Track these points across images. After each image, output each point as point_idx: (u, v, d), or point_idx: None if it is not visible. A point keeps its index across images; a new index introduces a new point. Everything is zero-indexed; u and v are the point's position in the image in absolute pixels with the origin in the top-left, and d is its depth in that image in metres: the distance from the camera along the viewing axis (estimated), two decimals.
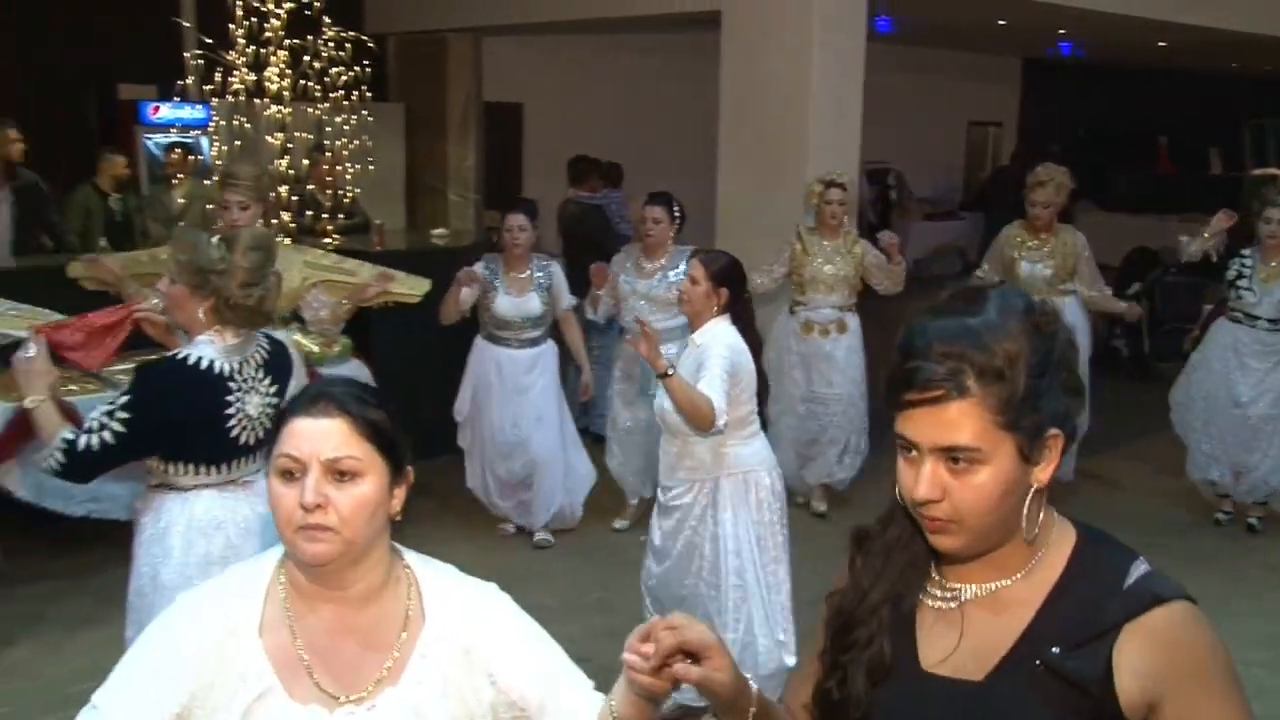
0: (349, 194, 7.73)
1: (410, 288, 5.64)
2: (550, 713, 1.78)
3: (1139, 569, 1.46)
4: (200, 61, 7.03)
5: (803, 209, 6.48)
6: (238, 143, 7.18)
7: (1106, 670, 1.39)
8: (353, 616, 1.75)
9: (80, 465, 3.14)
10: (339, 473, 1.67)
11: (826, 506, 6.68)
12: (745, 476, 4.15)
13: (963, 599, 1.51)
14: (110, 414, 3.12)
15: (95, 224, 7.36)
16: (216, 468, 3.28)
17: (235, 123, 7.21)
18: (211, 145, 7.89)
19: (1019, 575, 1.49)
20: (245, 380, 3.28)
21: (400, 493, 1.77)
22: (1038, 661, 1.41)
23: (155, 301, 3.81)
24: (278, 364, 3.43)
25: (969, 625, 1.50)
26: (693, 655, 1.47)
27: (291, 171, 7.33)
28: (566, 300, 6.00)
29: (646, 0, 8.85)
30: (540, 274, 5.94)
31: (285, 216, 7.17)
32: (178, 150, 8.94)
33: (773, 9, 7.80)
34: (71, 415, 3.37)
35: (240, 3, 6.94)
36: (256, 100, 7.13)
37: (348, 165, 7.60)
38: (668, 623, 1.47)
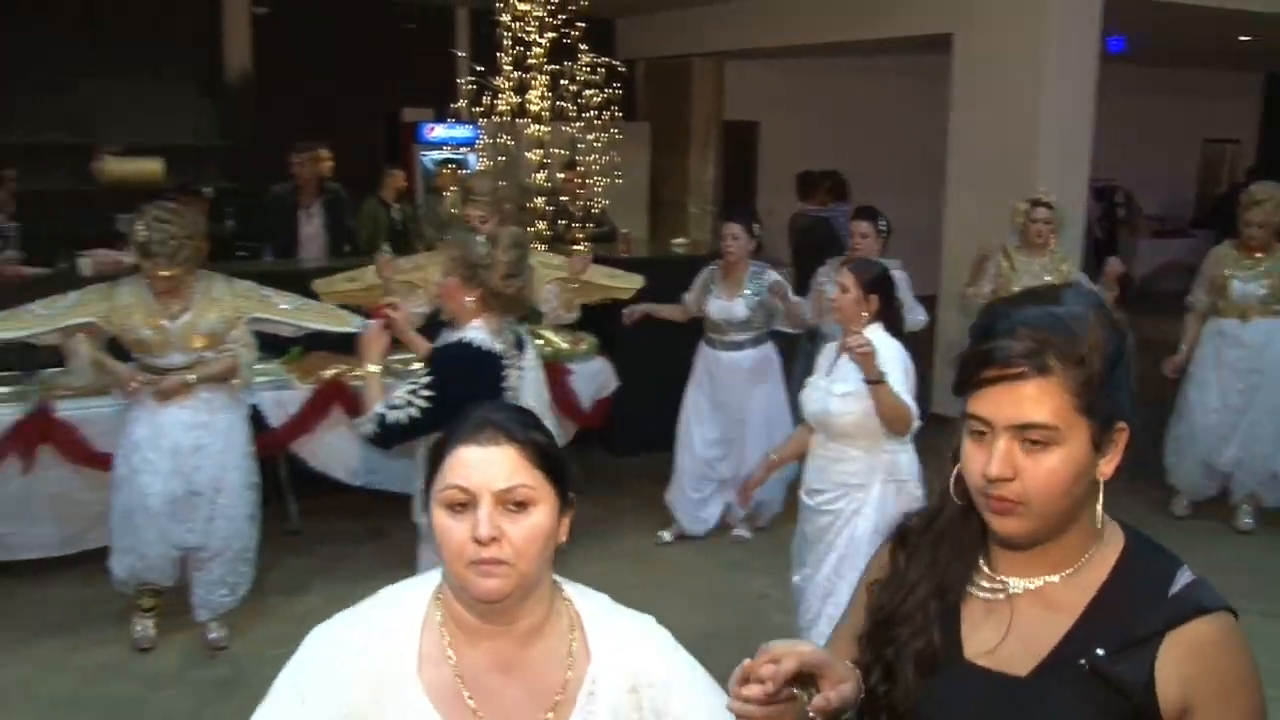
0: (598, 205, 8.11)
1: (624, 283, 5.90)
2: None
3: (1184, 577, 1.41)
4: (472, 87, 7.57)
5: (1008, 227, 6.46)
6: (501, 158, 7.69)
7: (1149, 677, 1.35)
8: (516, 653, 1.59)
9: (388, 435, 3.54)
10: (513, 503, 1.53)
11: None
12: (900, 485, 3.96)
13: (1010, 592, 1.46)
14: (414, 392, 3.46)
15: (380, 231, 7.96)
16: None
17: (500, 140, 7.72)
18: (478, 161, 8.46)
19: (1068, 572, 1.44)
20: (509, 358, 3.69)
21: (567, 520, 1.61)
22: (1083, 662, 1.36)
23: (399, 301, 4.18)
24: (522, 342, 3.83)
25: (1016, 619, 1.44)
26: (804, 677, 1.41)
27: (548, 184, 7.79)
28: (793, 300, 5.92)
29: (882, 24, 8.94)
30: (753, 281, 5.80)
31: (541, 224, 7.63)
32: (448, 166, 9.57)
33: (1007, 31, 7.81)
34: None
35: (508, 35, 7.44)
36: (518, 120, 7.63)
37: (598, 179, 8.01)
38: (770, 656, 1.38)
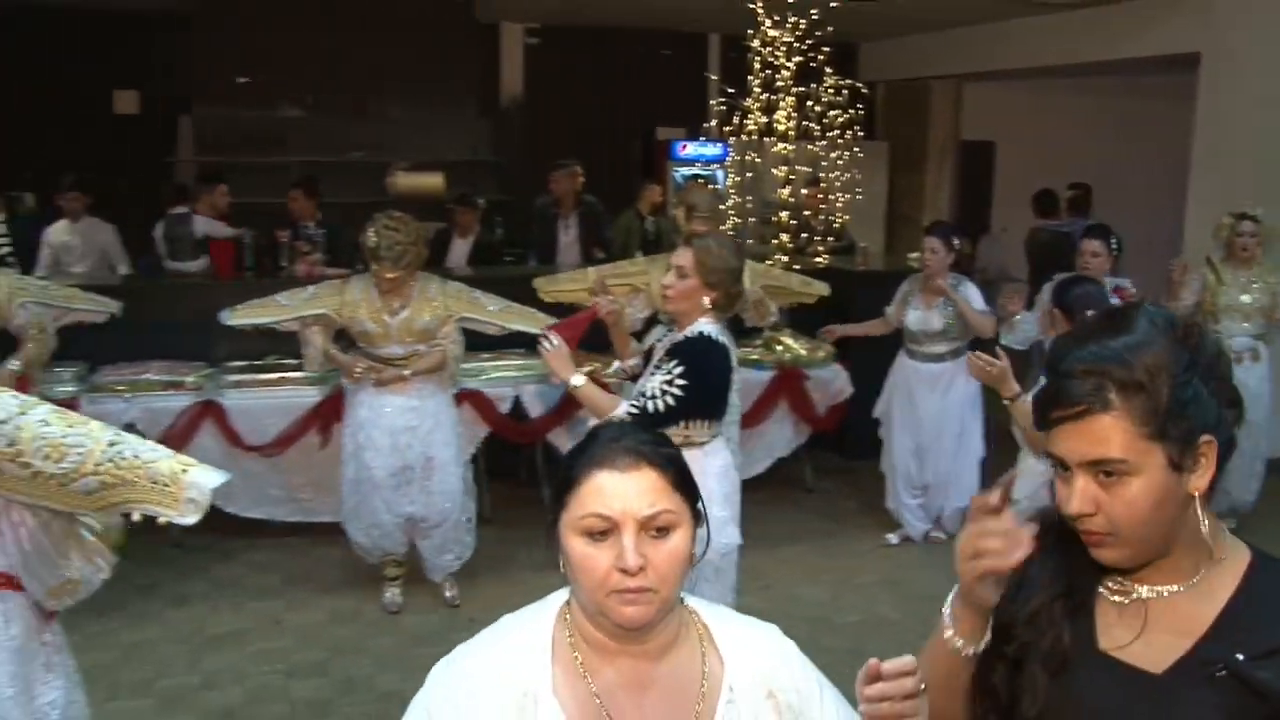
0: (839, 220, 8.20)
1: (814, 289, 5.99)
2: None
3: None
4: (722, 107, 7.81)
5: (1213, 241, 6.21)
6: (748, 174, 7.90)
7: None
8: (651, 669, 1.53)
9: (649, 425, 3.72)
10: (656, 529, 1.46)
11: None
12: None
13: (1138, 596, 1.43)
14: (669, 383, 3.50)
15: (633, 241, 8.28)
16: (719, 422, 3.77)
17: (747, 157, 7.93)
18: (727, 176, 8.69)
19: (1194, 581, 1.40)
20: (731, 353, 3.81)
21: (698, 535, 1.54)
22: (1221, 666, 1.32)
23: (613, 300, 4.24)
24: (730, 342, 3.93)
25: (1149, 620, 1.41)
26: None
27: (791, 199, 7.95)
28: (979, 306, 5.79)
29: (1129, 44, 8.67)
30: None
31: (783, 237, 7.80)
32: (696, 180, 9.82)
33: (1256, 49, 7.48)
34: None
35: (758, 59, 7.64)
36: (765, 139, 7.82)
37: (839, 195, 8.11)
38: (899, 667, 1.39)
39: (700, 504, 1.55)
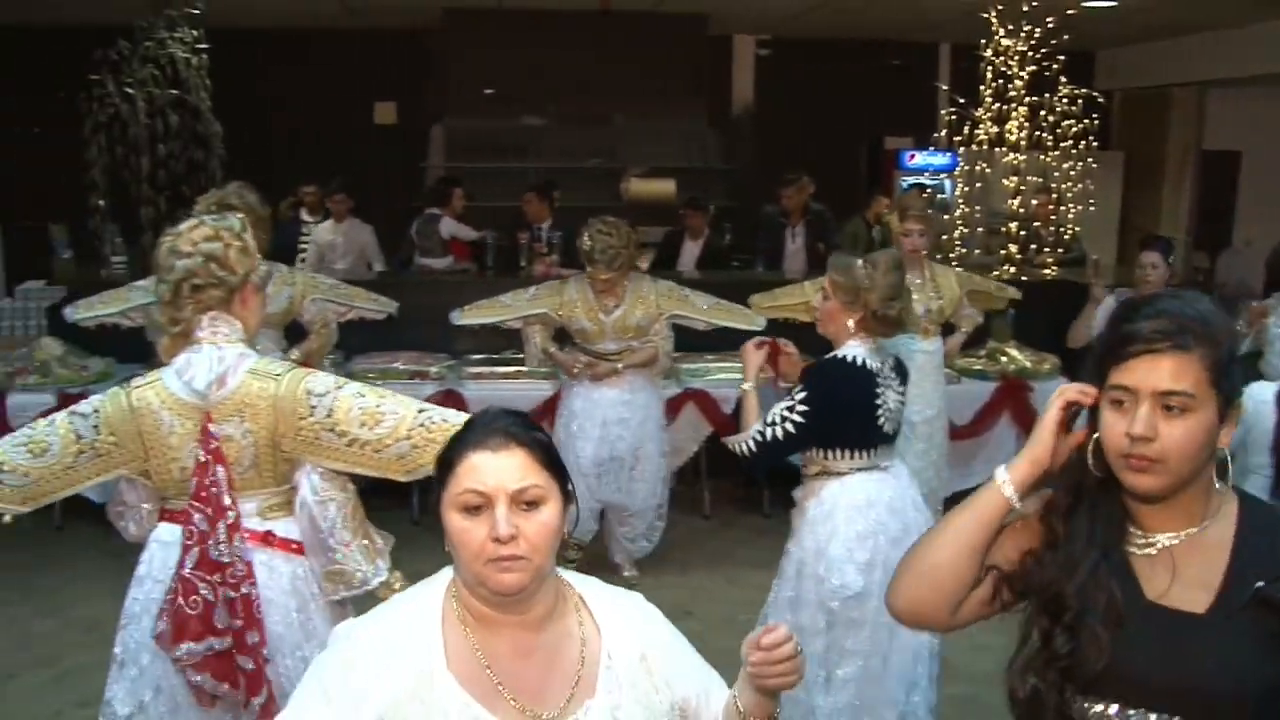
0: (1070, 231, 7.89)
1: (1009, 294, 5.81)
2: (703, 712, 1.73)
3: None
4: (952, 117, 7.62)
5: None
6: (978, 184, 7.68)
7: None
8: (534, 638, 1.62)
9: (764, 453, 3.34)
10: (525, 502, 1.56)
11: None
12: None
13: (1161, 545, 1.56)
14: (790, 408, 3.28)
15: (860, 249, 8.15)
16: (866, 453, 3.40)
17: (976, 168, 7.72)
18: (955, 186, 8.48)
19: (1206, 523, 1.55)
20: (886, 378, 3.42)
21: (569, 512, 1.64)
22: (1251, 594, 1.47)
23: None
24: (902, 369, 3.54)
25: (1179, 565, 1.54)
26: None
27: (1020, 210, 7.69)
28: None
29: None
30: None
31: (1011, 248, 7.56)
32: (916, 189, 9.56)
33: None
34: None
35: (990, 68, 7.42)
36: (996, 149, 7.58)
37: (1070, 206, 7.79)
38: (776, 639, 1.60)
39: (570, 485, 1.64)
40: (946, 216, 9.08)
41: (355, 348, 6.13)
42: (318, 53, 10.35)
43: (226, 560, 2.42)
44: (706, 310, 5.18)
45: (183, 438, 2.44)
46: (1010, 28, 7.39)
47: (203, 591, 2.40)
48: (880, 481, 3.43)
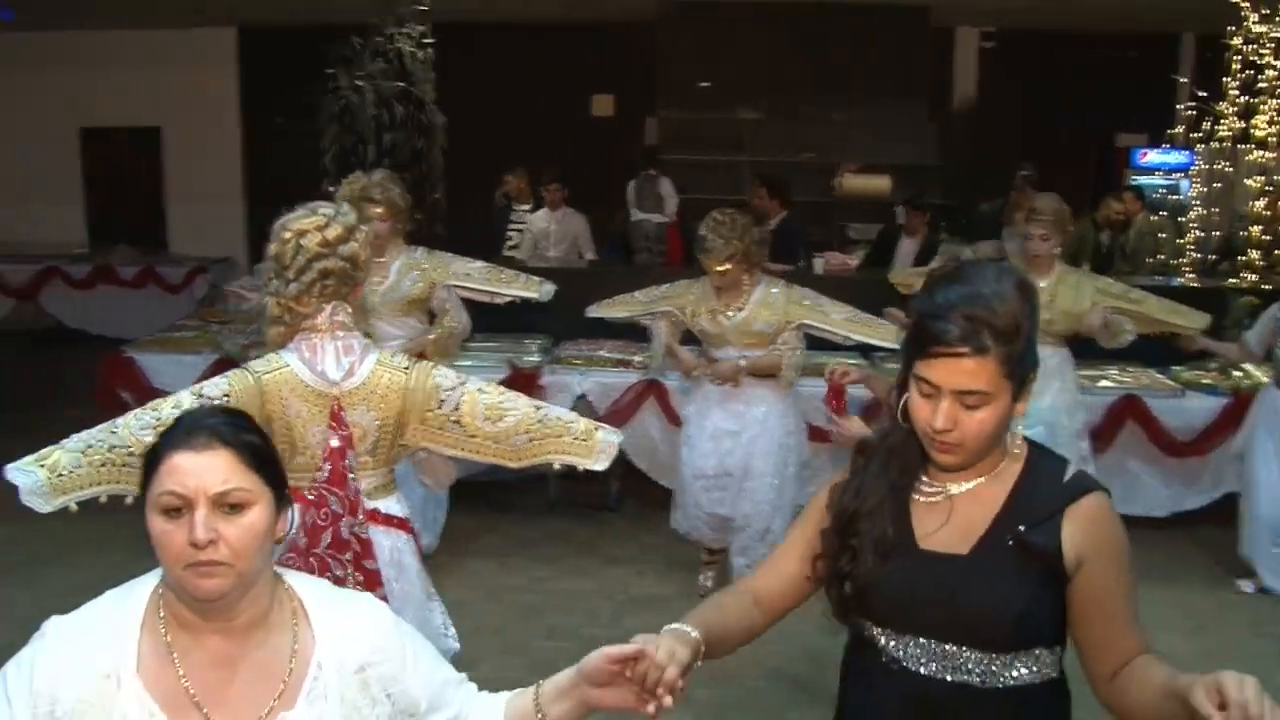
0: None
1: (1186, 320, 5.16)
2: (439, 715, 1.67)
3: (1071, 469, 1.74)
4: (1191, 112, 7.11)
5: None
6: (1217, 184, 7.16)
7: (1057, 542, 1.66)
8: (240, 646, 1.53)
9: None
10: (228, 505, 1.47)
11: None
12: None
13: (949, 493, 1.74)
14: None
15: (1085, 251, 7.76)
16: None
17: (1216, 166, 7.19)
18: (1191, 186, 7.94)
19: (993, 474, 1.73)
20: None
21: (284, 516, 1.56)
22: (1009, 538, 1.67)
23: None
24: None
25: (955, 512, 1.72)
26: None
27: (1265, 212, 7.11)
28: None
29: None
30: None
31: (1252, 254, 7.00)
32: (1128, 193, 8.89)
33: None
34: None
35: (1238, 57, 6.89)
36: (1240, 146, 7.03)
37: None
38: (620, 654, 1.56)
39: (287, 489, 1.56)
40: (1181, 220, 8.54)
41: (565, 333, 6.16)
42: (538, 46, 10.58)
43: (350, 538, 2.58)
44: (842, 323, 4.70)
45: (307, 422, 2.55)
46: (1265, 12, 6.83)
47: (335, 570, 2.52)
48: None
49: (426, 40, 7.15)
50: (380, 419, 2.60)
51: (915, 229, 8.00)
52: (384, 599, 2.47)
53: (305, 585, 1.63)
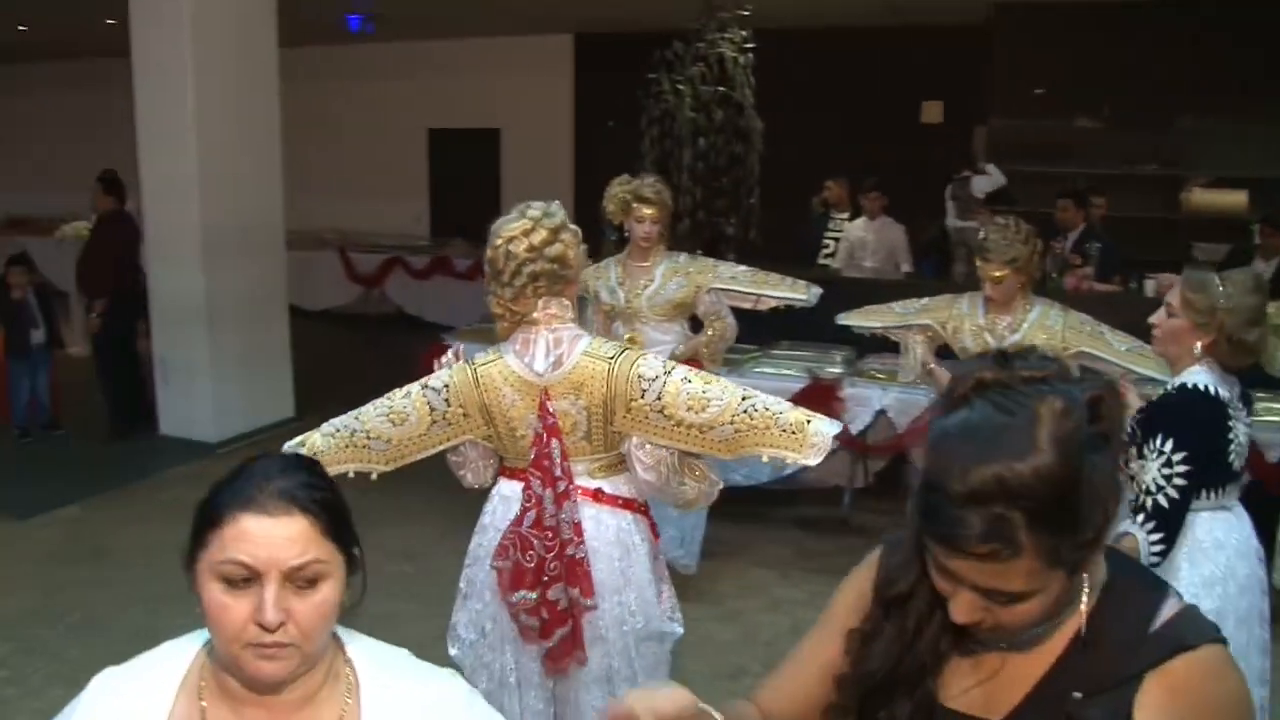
0: None
1: None
2: None
3: (1168, 608, 1.25)
4: None
5: None
6: None
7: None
8: None
9: (1166, 527, 2.84)
10: (303, 580, 1.29)
11: None
12: None
13: (993, 647, 1.29)
14: (1166, 465, 2.81)
15: None
16: (1215, 492, 2.96)
17: None
18: None
19: (1054, 623, 1.25)
20: (1235, 409, 2.97)
21: (354, 581, 1.37)
22: (1062, 709, 1.22)
23: None
24: (1248, 398, 3.09)
25: (1001, 664, 1.29)
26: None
27: None
28: None
29: None
30: None
31: None
32: None
33: None
34: None
35: None
36: None
37: None
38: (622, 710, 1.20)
39: (358, 549, 1.37)
40: None
41: (871, 346, 5.93)
42: (864, 50, 10.39)
43: (553, 524, 2.69)
44: (1124, 354, 4.26)
45: (523, 411, 2.69)
46: None
47: (537, 548, 2.68)
48: (1227, 523, 3.04)
49: (748, 45, 7.17)
50: (587, 406, 2.67)
51: (1273, 250, 7.21)
52: (584, 586, 2.69)
53: (368, 657, 1.45)
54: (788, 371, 5.79)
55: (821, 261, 8.21)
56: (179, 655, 1.41)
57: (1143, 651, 1.22)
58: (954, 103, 10.60)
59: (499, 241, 2.70)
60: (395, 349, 7.37)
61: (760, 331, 6.04)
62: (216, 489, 1.33)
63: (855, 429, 5.51)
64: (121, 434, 7.34)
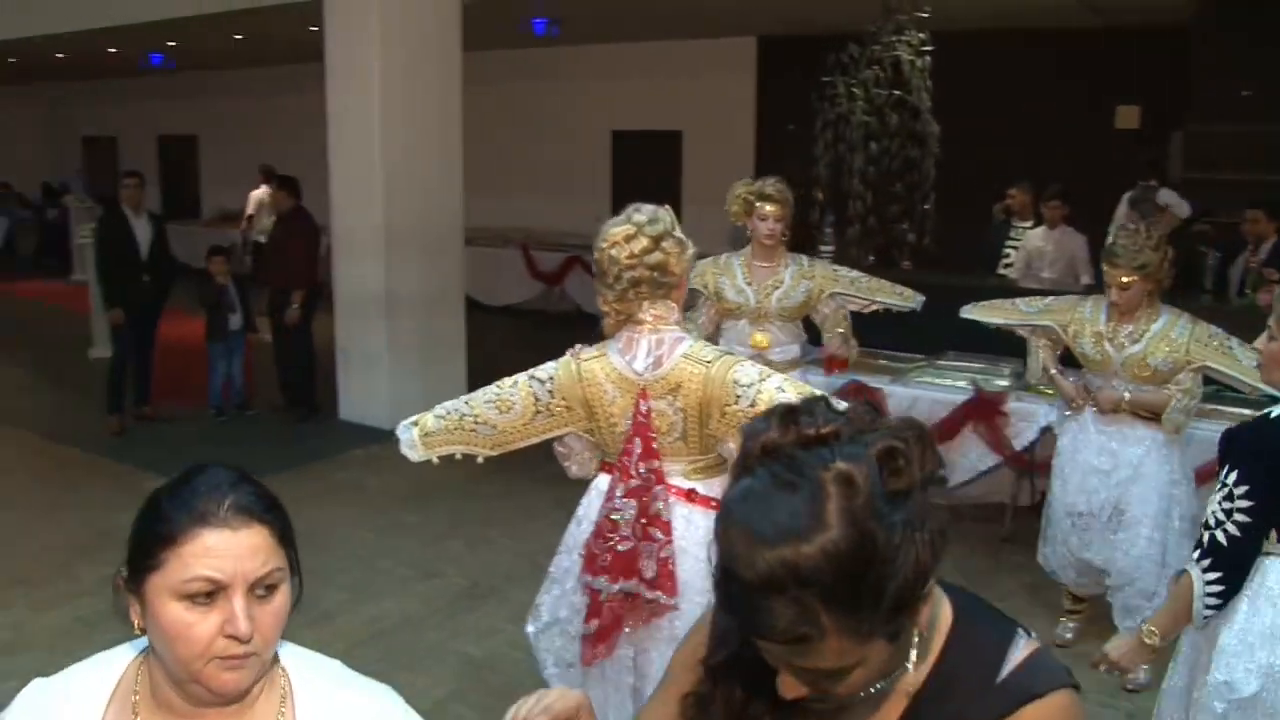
0: None
1: None
2: None
3: (1016, 653, 1.17)
4: None
5: None
6: None
7: None
8: None
9: (1225, 564, 2.64)
10: (264, 588, 1.27)
11: None
12: None
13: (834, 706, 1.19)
14: (1227, 498, 2.61)
15: None
16: None
17: None
18: None
19: (894, 675, 1.16)
20: None
21: (294, 584, 1.34)
22: None
23: None
24: None
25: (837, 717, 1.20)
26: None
27: None
28: None
29: None
30: None
31: None
32: None
33: None
34: None
35: None
36: None
37: None
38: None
39: (294, 551, 1.34)
40: None
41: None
42: (1054, 52, 10.04)
43: (616, 519, 2.75)
44: (1253, 371, 3.94)
45: (623, 407, 2.76)
46: None
47: (610, 539, 2.75)
48: None
49: (925, 48, 7.03)
50: (683, 408, 2.71)
51: None
52: (668, 586, 2.72)
53: (304, 668, 1.43)
54: (953, 383, 5.68)
55: (1001, 271, 7.98)
56: (109, 667, 1.39)
57: (990, 702, 1.16)
58: (1152, 107, 10.11)
59: (604, 244, 2.75)
60: (567, 346, 7.57)
61: (927, 341, 5.95)
62: (159, 509, 1.30)
63: (1020, 444, 5.37)
64: (303, 417, 7.82)
